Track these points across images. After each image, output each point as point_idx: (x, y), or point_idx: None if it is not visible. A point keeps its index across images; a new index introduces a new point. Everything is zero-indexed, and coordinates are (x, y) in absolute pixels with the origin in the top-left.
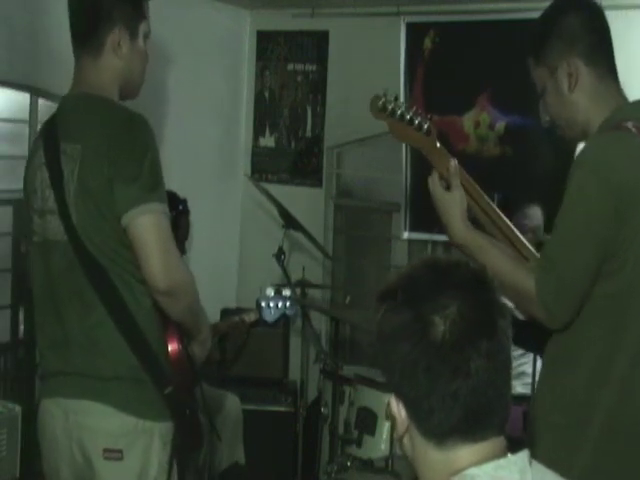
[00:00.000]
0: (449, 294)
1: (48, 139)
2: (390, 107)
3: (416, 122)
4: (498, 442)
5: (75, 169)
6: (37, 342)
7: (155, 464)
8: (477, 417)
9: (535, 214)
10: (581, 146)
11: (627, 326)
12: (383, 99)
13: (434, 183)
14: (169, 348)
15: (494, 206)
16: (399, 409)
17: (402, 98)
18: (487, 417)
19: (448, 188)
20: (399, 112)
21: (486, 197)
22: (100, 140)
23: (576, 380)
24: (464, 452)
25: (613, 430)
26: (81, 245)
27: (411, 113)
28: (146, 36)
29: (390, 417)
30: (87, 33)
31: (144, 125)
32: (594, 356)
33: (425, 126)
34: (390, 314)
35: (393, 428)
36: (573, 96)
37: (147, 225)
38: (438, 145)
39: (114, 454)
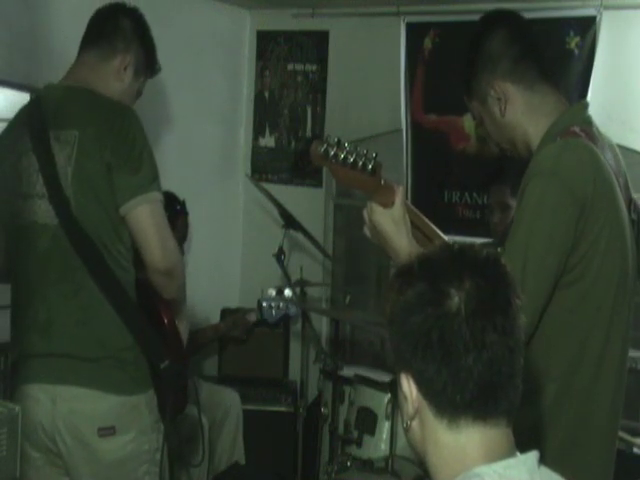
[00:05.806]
0: (465, 270)
1: (34, 126)
2: (332, 152)
3: (360, 164)
4: (507, 436)
5: (72, 154)
6: (15, 324)
7: (147, 430)
8: (490, 395)
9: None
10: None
11: (592, 336)
12: (325, 145)
13: (373, 208)
14: (165, 321)
15: (440, 234)
16: (410, 387)
17: (402, 97)
18: (499, 397)
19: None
20: (342, 156)
21: (432, 226)
22: (98, 126)
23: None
24: (475, 437)
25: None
26: (77, 228)
27: (354, 155)
28: (139, 92)
29: (399, 398)
30: (100, 38)
31: (136, 118)
32: (562, 371)
33: (370, 166)
34: (405, 287)
35: (401, 412)
36: (506, 118)
37: (146, 214)
38: (383, 182)
39: (108, 431)
